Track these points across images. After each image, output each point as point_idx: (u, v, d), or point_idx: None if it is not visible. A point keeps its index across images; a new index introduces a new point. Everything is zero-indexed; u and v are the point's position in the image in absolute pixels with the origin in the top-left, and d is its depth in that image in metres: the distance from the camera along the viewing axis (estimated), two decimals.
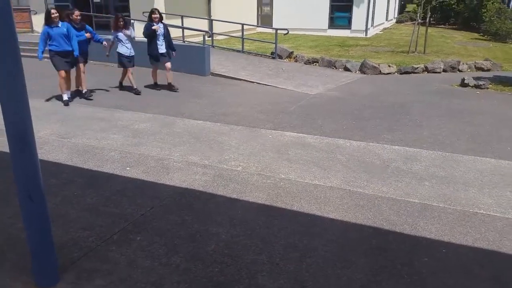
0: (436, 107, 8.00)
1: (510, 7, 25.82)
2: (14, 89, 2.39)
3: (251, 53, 13.57)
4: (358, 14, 19.51)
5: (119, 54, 8.56)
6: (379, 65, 12.00)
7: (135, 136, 5.92)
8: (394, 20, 29.75)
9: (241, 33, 13.56)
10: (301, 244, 3.37)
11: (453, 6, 27.50)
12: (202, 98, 8.33)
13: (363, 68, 11.96)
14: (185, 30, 13.18)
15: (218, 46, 13.92)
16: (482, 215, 3.86)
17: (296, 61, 12.97)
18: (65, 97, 7.66)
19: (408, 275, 2.99)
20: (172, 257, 3.14)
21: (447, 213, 3.90)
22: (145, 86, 9.19)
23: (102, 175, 4.64)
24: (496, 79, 10.52)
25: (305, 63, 12.71)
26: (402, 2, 35.33)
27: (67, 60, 7.57)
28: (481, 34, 21.81)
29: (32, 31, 16.58)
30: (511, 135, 6.28)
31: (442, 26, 27.26)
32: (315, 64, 12.63)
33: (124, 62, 8.63)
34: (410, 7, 34.76)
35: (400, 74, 11.86)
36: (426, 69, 12.10)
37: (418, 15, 15.77)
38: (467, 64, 12.59)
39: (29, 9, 16.57)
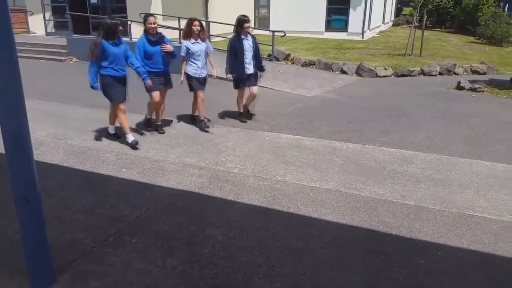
0: (432, 110, 8.02)
1: (506, 11, 26.02)
2: (10, 90, 2.38)
3: None
4: (355, 17, 19.56)
5: (187, 75, 6.25)
6: (375, 68, 12.03)
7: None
8: (391, 23, 29.86)
9: None
10: (298, 246, 3.37)
11: (449, 9, 27.63)
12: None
13: (359, 71, 12.00)
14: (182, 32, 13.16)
15: (215, 48, 13.89)
16: (478, 218, 3.87)
17: (293, 63, 12.98)
18: (131, 138, 5.49)
19: (404, 277, 3.00)
20: (168, 259, 3.13)
21: (443, 215, 3.91)
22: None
23: (98, 177, 4.63)
24: (492, 83, 10.57)
25: (302, 66, 12.73)
26: (399, 5, 35.47)
27: (123, 86, 5.56)
28: (477, 37, 21.91)
29: (29, 31, 16.54)
30: (506, 138, 6.32)
31: (438, 29, 27.38)
32: (312, 67, 12.65)
33: (193, 84, 6.27)
34: (406, 10, 34.89)
35: (397, 77, 11.90)
36: (422, 72, 12.14)
37: (414, 18, 15.85)
38: (463, 67, 12.65)
39: (25, 9, 16.53)
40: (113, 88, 5.41)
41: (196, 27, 6.01)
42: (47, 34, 15.64)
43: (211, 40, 13.22)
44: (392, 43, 18.37)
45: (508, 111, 8.15)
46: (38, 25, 16.04)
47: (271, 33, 13.48)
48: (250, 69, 6.68)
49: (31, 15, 16.25)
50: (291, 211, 3.95)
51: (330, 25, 20.24)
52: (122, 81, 5.49)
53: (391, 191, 4.41)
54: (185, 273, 2.98)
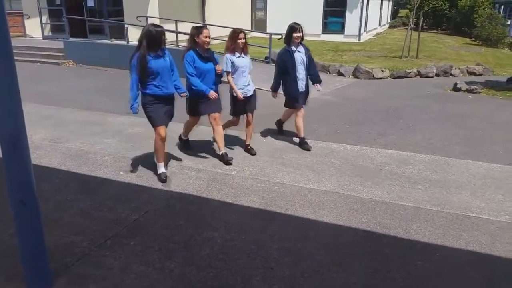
0: (429, 111, 8.05)
1: (501, 12, 26.15)
2: (7, 93, 2.38)
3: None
4: (351, 19, 19.63)
5: (231, 95, 5.36)
6: (372, 69, 12.07)
7: (129, 140, 5.91)
8: (387, 25, 29.97)
9: None
10: (296, 248, 3.37)
11: (445, 11, 27.78)
12: None
13: (356, 73, 12.03)
14: (179, 35, 13.17)
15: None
16: (475, 218, 3.88)
17: None
18: (161, 169, 4.67)
19: (402, 278, 3.00)
20: (166, 262, 3.13)
21: (440, 216, 3.92)
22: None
23: (96, 180, 4.62)
24: (488, 84, 10.62)
25: None
26: (395, 7, 35.62)
27: (169, 106, 4.64)
28: (473, 39, 22.04)
29: (25, 35, 16.52)
30: (503, 139, 6.34)
31: (435, 31, 27.50)
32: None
33: (236, 106, 5.39)
34: (403, 12, 35.07)
35: (393, 78, 11.94)
36: (419, 74, 12.19)
37: (410, 20, 15.91)
38: (459, 68, 12.70)
39: (22, 13, 16.51)
40: (156, 109, 4.48)
41: (241, 40, 5.19)
42: (44, 37, 15.63)
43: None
44: (389, 45, 18.43)
45: (504, 112, 8.18)
46: (35, 28, 16.03)
47: (268, 36, 13.51)
48: (303, 86, 5.69)
49: (27, 18, 16.23)
50: (289, 213, 3.95)
51: (326, 28, 20.30)
52: (167, 100, 4.56)
53: (389, 192, 4.42)
54: (183, 276, 2.98)
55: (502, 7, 29.79)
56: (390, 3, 31.14)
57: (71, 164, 5.01)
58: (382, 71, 12.14)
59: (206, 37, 4.88)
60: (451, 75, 12.38)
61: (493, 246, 3.43)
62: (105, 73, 11.28)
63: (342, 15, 19.87)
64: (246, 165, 5.07)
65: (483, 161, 5.37)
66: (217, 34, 15.54)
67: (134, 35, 13.69)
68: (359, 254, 3.30)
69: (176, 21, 13.75)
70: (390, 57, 14.63)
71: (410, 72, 12.06)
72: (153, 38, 4.35)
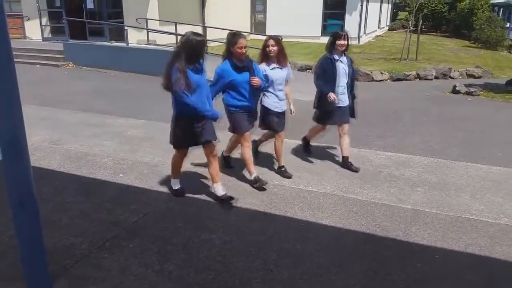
0: (428, 113, 8.06)
1: (500, 15, 26.21)
2: (6, 95, 2.38)
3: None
4: (351, 21, 19.65)
5: (263, 109, 4.76)
6: (371, 72, 12.08)
7: (128, 142, 5.91)
8: (387, 28, 30.00)
9: None
10: (295, 250, 3.37)
11: (445, 14, 27.83)
12: None
13: (355, 75, 12.03)
14: (178, 37, 13.18)
15: (212, 53, 13.94)
16: (474, 221, 3.88)
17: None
18: (176, 185, 4.30)
19: (402, 280, 3.00)
20: (165, 264, 3.12)
21: (439, 219, 3.92)
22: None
23: (95, 182, 4.62)
24: (487, 86, 10.65)
25: (298, 70, 12.75)
26: (394, 10, 35.68)
27: (198, 128, 3.95)
28: (472, 41, 22.07)
29: (25, 37, 16.53)
30: (502, 142, 6.35)
31: (434, 33, 27.54)
32: (309, 71, 12.69)
33: (271, 121, 4.75)
34: (402, 14, 35.11)
35: (392, 81, 11.96)
36: (418, 76, 12.22)
37: (410, 22, 15.95)
38: (458, 71, 12.73)
39: (22, 15, 16.53)
40: (186, 131, 3.92)
41: (271, 48, 4.55)
42: (44, 39, 15.65)
43: (207, 45, 13.22)
44: (388, 48, 18.46)
45: (503, 114, 8.20)
46: (34, 30, 16.05)
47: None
48: (344, 100, 5.07)
49: (27, 20, 16.25)
50: (288, 215, 3.94)
51: (326, 30, 20.32)
52: (202, 121, 3.92)
53: (388, 194, 4.42)
54: (182, 278, 2.97)
55: (501, 9, 29.87)
56: (390, 5, 31.20)
57: (70, 166, 5.01)
58: (382, 73, 12.16)
59: (241, 48, 4.21)
60: (450, 77, 12.41)
61: (492, 248, 3.43)
62: (104, 75, 11.29)
63: (342, 18, 19.90)
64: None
65: (482, 164, 5.38)
66: (216, 37, 15.63)
67: (133, 37, 13.76)
68: (359, 256, 3.30)
69: (176, 23, 13.79)
70: (390, 60, 14.65)
71: (410, 75, 12.09)
72: (193, 50, 3.80)
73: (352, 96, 5.23)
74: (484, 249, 3.42)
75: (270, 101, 4.73)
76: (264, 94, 4.72)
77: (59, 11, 15.47)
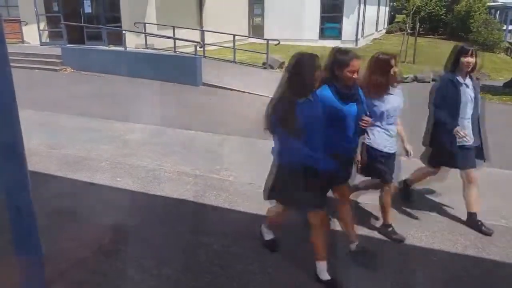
0: (426, 116, 8.04)
1: (497, 18, 26.32)
2: (3, 99, 2.38)
3: (243, 63, 13.63)
4: (348, 24, 19.72)
5: (368, 150, 3.50)
6: None
7: (125, 146, 5.91)
8: (384, 31, 30.11)
9: (232, 43, 13.64)
10: (294, 253, 3.36)
11: (442, 16, 27.94)
12: (193, 108, 8.36)
13: None
14: (176, 41, 13.21)
15: (210, 57, 13.97)
16: None
17: None
18: (269, 235, 3.45)
19: (402, 283, 3.03)
20: (162, 268, 3.12)
21: (437, 221, 3.92)
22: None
23: (92, 186, 4.61)
24: (485, 88, 10.66)
25: None
26: (392, 13, 35.78)
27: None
28: (469, 43, 22.13)
29: (23, 41, 16.53)
30: (499, 144, 6.34)
31: (431, 36, 27.64)
32: None
33: (378, 166, 3.52)
34: (399, 17, 35.20)
35: None
36: (416, 79, 12.26)
37: (407, 25, 16.01)
38: None
39: (20, 20, 16.54)
40: (294, 186, 2.88)
41: (394, 69, 3.43)
42: (42, 44, 15.64)
43: (205, 49, 13.27)
44: (386, 50, 18.50)
45: (501, 116, 8.22)
46: (32, 35, 16.05)
47: (265, 42, 13.55)
48: (470, 137, 3.84)
49: (25, 25, 16.25)
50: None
51: (324, 33, 20.38)
52: (314, 174, 2.86)
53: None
54: (180, 282, 2.97)
55: (498, 12, 30.00)
56: (387, 8, 31.31)
57: (67, 171, 5.00)
58: None
59: (353, 72, 3.04)
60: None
61: (489, 249, 3.43)
62: (102, 79, 11.29)
63: (339, 21, 19.97)
64: (243, 171, 5.06)
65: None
66: (214, 40, 15.66)
67: (131, 41, 13.76)
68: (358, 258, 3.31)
69: (173, 27, 13.80)
70: None
71: (407, 77, 12.11)
72: (306, 76, 2.79)
73: (479, 131, 3.98)
74: (482, 250, 3.40)
75: (379, 139, 3.48)
76: (369, 130, 3.45)
77: (57, 16, 15.49)
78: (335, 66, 3.07)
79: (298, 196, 2.94)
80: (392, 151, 3.56)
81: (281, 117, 2.78)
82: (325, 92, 3.07)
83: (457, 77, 3.74)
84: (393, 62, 3.40)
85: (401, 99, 3.57)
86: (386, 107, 3.43)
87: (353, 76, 3.08)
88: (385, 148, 3.49)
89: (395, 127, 3.62)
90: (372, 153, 3.49)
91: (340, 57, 3.09)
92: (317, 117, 2.88)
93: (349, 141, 3.24)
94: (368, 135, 3.47)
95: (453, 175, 3.98)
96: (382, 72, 3.34)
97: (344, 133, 3.18)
